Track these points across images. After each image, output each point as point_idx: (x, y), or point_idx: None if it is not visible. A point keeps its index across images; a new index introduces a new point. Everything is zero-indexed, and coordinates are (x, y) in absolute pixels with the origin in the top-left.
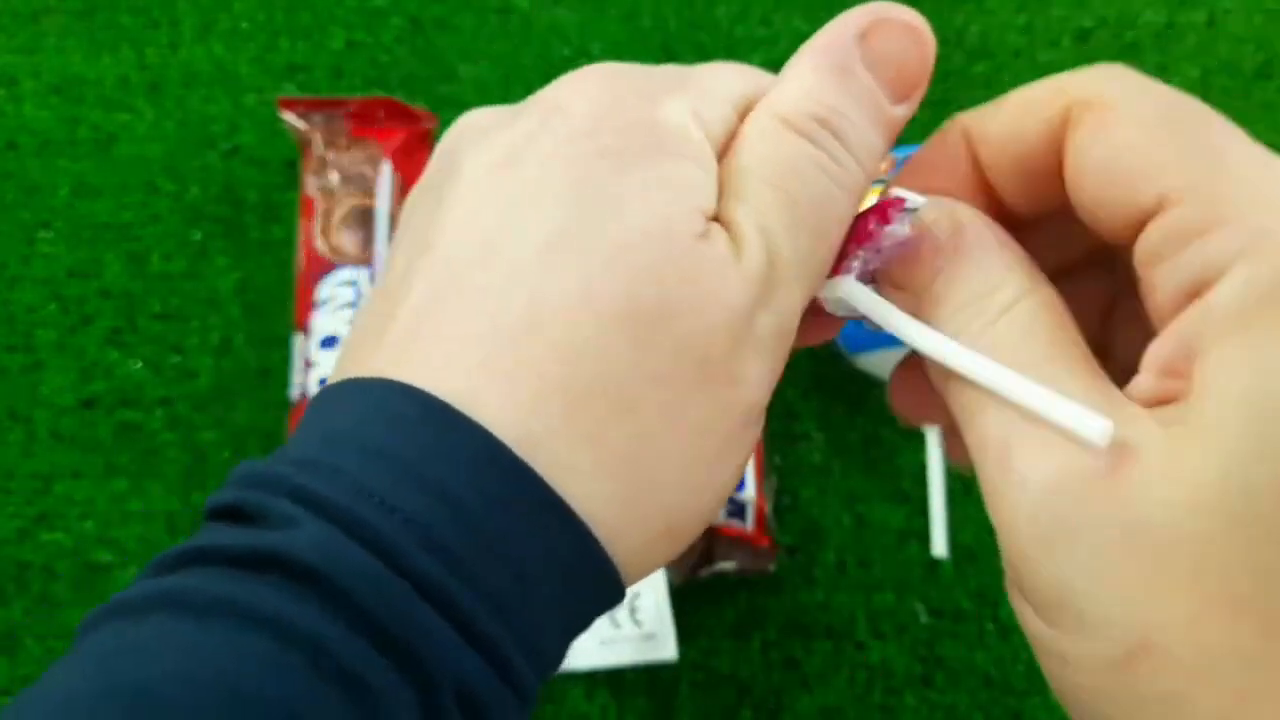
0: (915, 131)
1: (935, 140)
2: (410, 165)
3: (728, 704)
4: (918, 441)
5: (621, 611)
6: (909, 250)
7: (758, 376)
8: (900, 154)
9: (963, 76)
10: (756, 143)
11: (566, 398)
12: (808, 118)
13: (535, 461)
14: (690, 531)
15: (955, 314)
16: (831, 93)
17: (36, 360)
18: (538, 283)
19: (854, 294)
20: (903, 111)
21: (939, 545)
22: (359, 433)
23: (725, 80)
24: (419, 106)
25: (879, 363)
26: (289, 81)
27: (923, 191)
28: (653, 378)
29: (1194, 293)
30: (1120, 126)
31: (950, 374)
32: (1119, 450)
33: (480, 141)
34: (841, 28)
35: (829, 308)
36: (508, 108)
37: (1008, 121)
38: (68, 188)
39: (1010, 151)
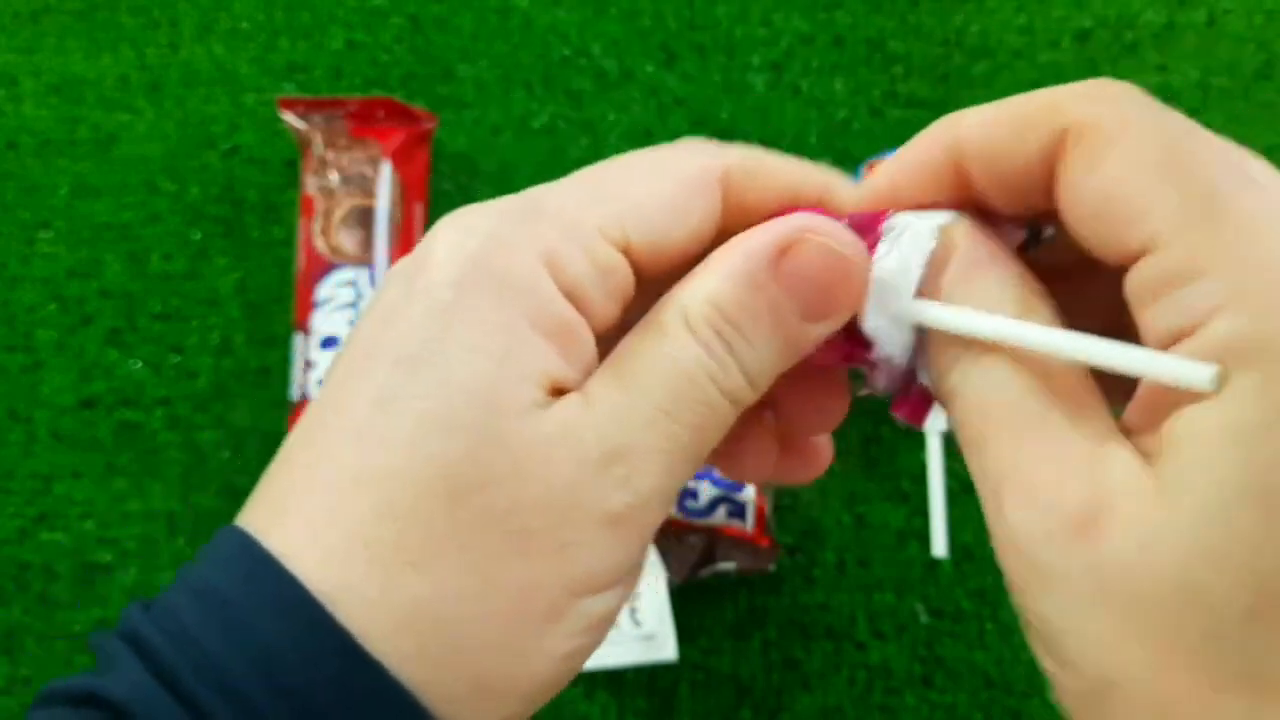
0: (917, 131)
1: (919, 143)
2: (410, 165)
3: (728, 704)
4: (918, 441)
5: (621, 612)
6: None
7: (599, 549)
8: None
9: (963, 76)
10: (652, 334)
11: (372, 552)
12: (704, 322)
13: (339, 610)
14: (520, 693)
15: (948, 343)
16: (733, 302)
17: (36, 360)
18: (361, 445)
19: (926, 312)
20: (819, 330)
21: (939, 545)
22: (201, 574)
23: (597, 203)
24: (419, 106)
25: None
26: (289, 81)
27: (900, 194)
28: (461, 544)
29: (1174, 338)
30: (1113, 161)
31: (957, 405)
32: (1097, 506)
33: (376, 297)
34: (763, 236)
35: (879, 352)
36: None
37: (1001, 138)
38: (68, 188)
39: (1002, 167)
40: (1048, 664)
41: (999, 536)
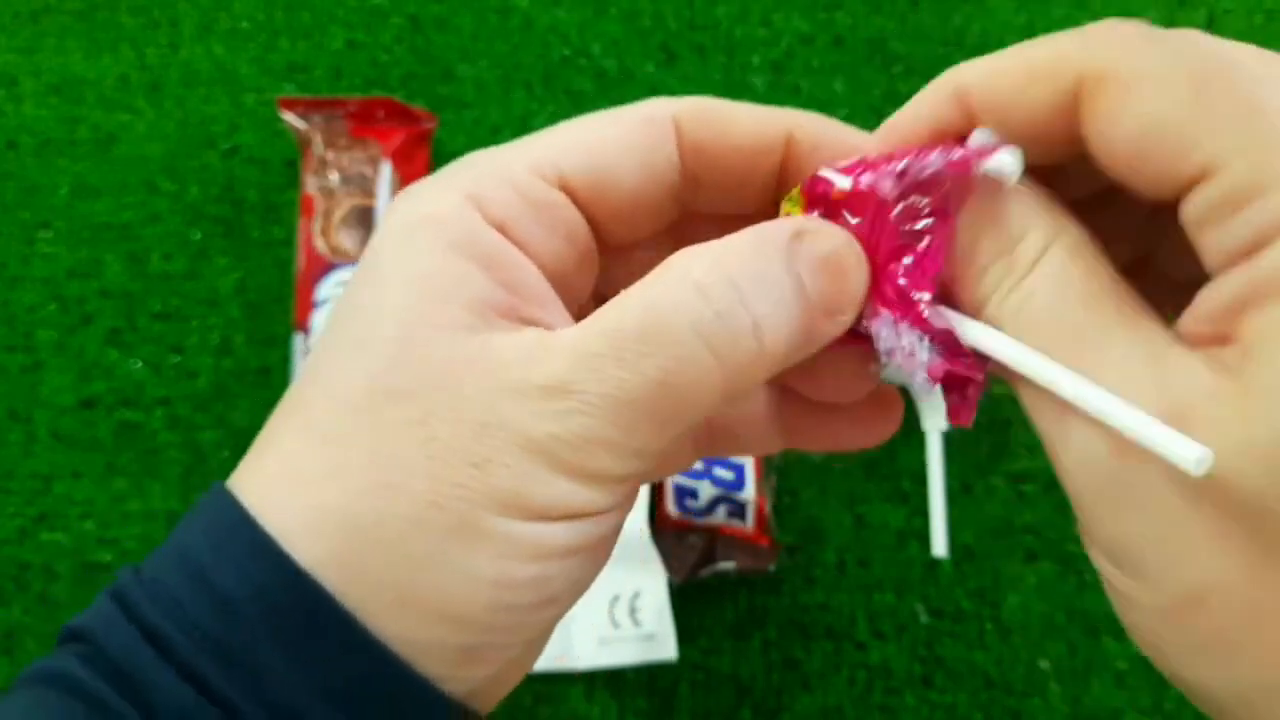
0: None
1: (924, 97)
2: (410, 165)
3: (728, 704)
4: (918, 441)
5: (621, 611)
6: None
7: (522, 472)
8: None
9: None
10: (639, 284)
11: (296, 467)
12: (705, 271)
13: (267, 521)
14: (450, 613)
15: (984, 274)
16: (742, 260)
17: (36, 360)
18: (310, 383)
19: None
20: (833, 325)
21: (939, 545)
22: (183, 539)
23: (530, 148)
24: (419, 106)
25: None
26: (289, 81)
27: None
28: (374, 451)
29: (1246, 254)
30: (1146, 100)
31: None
32: (1175, 411)
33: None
34: (780, 222)
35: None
36: None
37: (1009, 89)
38: (68, 188)
39: (1015, 118)
40: (1121, 584)
41: (1067, 461)
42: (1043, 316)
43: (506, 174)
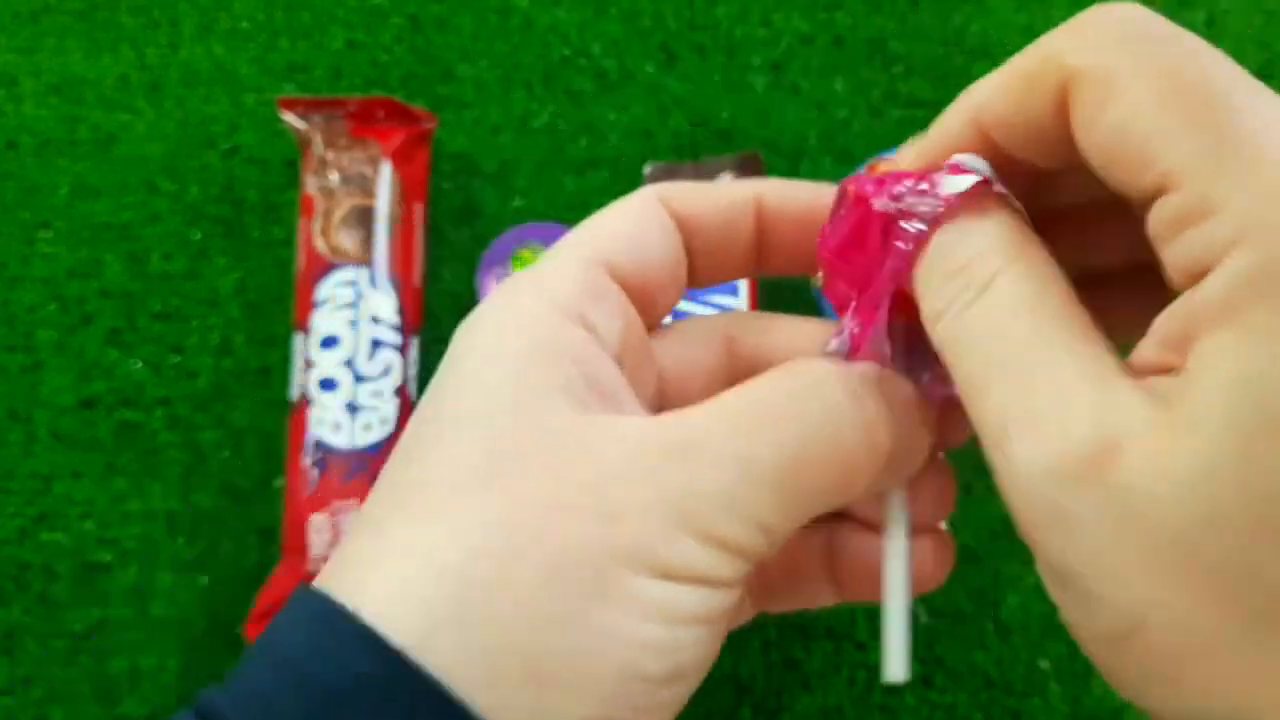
0: (917, 131)
1: (944, 121)
2: (410, 165)
3: (727, 704)
4: None
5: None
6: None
7: (653, 527)
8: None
9: (963, 76)
10: (785, 366)
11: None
12: (859, 378)
13: (363, 609)
14: (589, 685)
15: (939, 290)
16: (890, 381)
17: (36, 360)
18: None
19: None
20: (919, 449)
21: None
22: (279, 642)
23: (580, 244)
24: (419, 106)
25: None
26: (289, 81)
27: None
28: (491, 508)
29: (1194, 275)
30: (1117, 105)
31: (952, 349)
32: (1109, 440)
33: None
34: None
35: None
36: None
37: (1013, 101)
38: (68, 188)
39: (1020, 130)
40: (1067, 608)
41: (1007, 481)
42: (988, 337)
43: (571, 270)
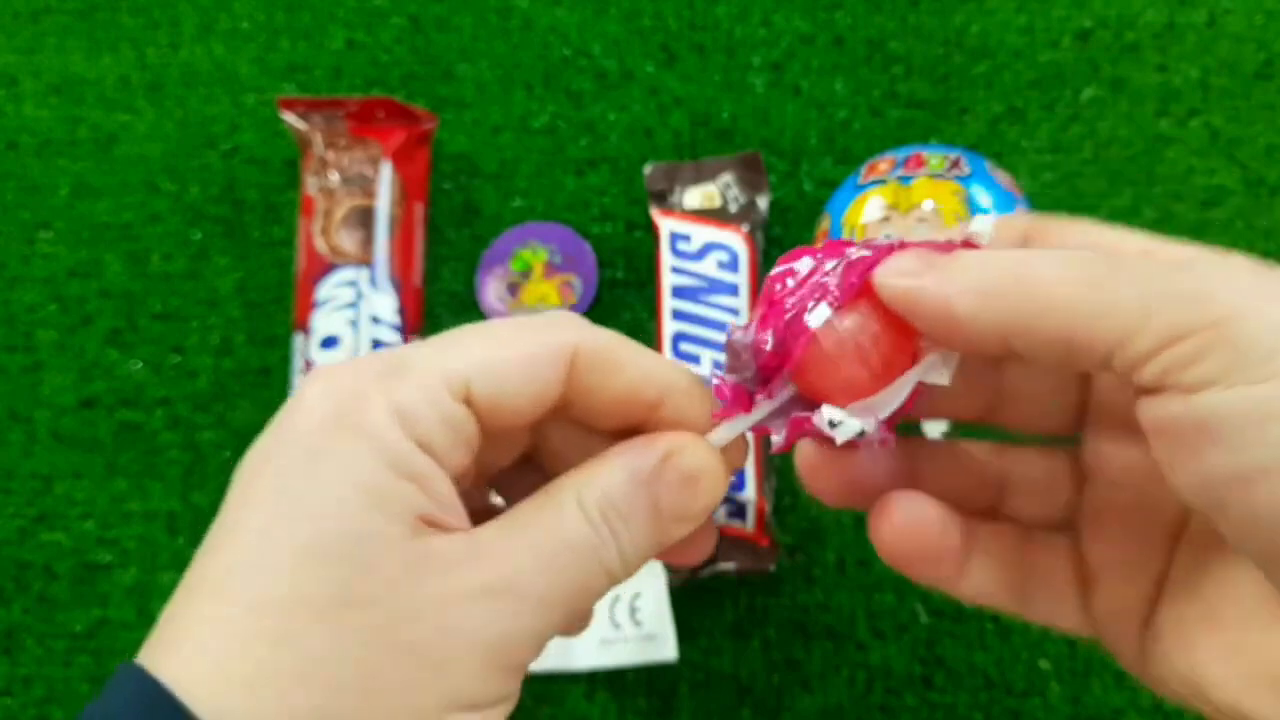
0: (917, 131)
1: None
2: (410, 165)
3: (728, 704)
4: None
5: (622, 612)
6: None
7: (475, 669)
8: (900, 154)
9: (963, 76)
10: (550, 508)
11: (259, 673)
12: (595, 507)
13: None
14: None
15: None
16: (623, 496)
17: (36, 360)
18: (247, 576)
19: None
20: (682, 529)
21: None
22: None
23: (450, 361)
24: (419, 106)
25: None
26: (289, 81)
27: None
28: (342, 658)
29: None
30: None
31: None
32: None
33: (259, 440)
34: (653, 444)
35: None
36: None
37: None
38: (68, 188)
39: (967, 338)
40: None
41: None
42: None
43: (428, 393)
